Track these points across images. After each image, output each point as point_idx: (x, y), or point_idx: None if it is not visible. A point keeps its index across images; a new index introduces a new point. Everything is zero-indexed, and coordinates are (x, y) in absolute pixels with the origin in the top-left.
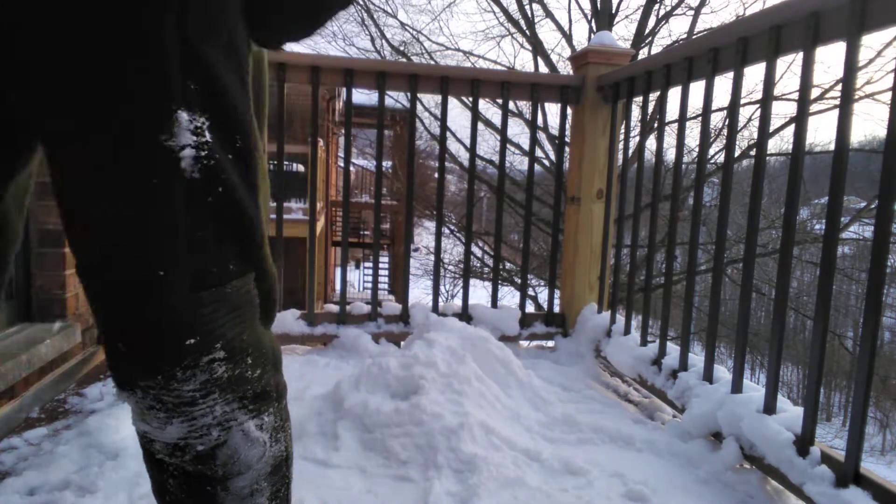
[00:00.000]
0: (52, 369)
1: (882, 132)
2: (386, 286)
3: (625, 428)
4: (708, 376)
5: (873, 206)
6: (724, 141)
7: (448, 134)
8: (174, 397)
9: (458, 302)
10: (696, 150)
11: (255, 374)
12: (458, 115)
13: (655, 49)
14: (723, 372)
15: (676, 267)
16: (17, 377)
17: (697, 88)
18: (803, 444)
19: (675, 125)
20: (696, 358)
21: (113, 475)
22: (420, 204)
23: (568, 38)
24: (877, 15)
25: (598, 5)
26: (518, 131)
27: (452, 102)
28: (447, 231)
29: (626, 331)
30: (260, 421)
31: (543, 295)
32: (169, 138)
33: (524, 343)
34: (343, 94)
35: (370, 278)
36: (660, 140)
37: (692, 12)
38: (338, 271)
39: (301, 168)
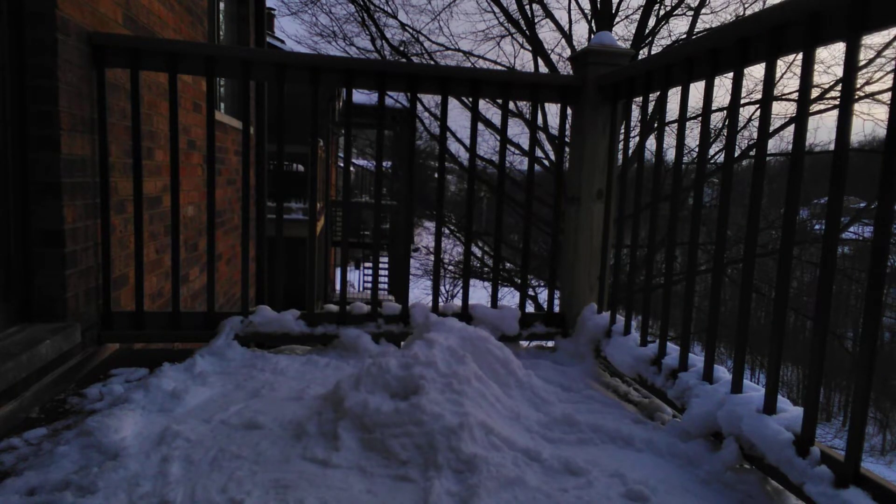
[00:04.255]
0: (52, 369)
1: (882, 132)
2: (385, 286)
3: (625, 428)
4: (708, 376)
5: (873, 206)
6: (724, 141)
7: (448, 134)
8: None
9: (458, 302)
10: (696, 150)
11: None
12: (458, 115)
13: (655, 49)
14: (723, 372)
15: (676, 267)
16: (17, 377)
17: (697, 89)
18: (803, 443)
19: (675, 125)
20: (696, 358)
21: (113, 475)
22: (420, 204)
23: (568, 38)
24: (877, 15)
25: (598, 5)
26: (518, 131)
27: (452, 102)
28: (447, 231)
29: (626, 331)
30: None
31: (543, 295)
32: None
33: (524, 343)
34: (343, 95)
35: (370, 278)
36: (660, 140)
37: (692, 12)
38: (338, 271)
39: (301, 168)
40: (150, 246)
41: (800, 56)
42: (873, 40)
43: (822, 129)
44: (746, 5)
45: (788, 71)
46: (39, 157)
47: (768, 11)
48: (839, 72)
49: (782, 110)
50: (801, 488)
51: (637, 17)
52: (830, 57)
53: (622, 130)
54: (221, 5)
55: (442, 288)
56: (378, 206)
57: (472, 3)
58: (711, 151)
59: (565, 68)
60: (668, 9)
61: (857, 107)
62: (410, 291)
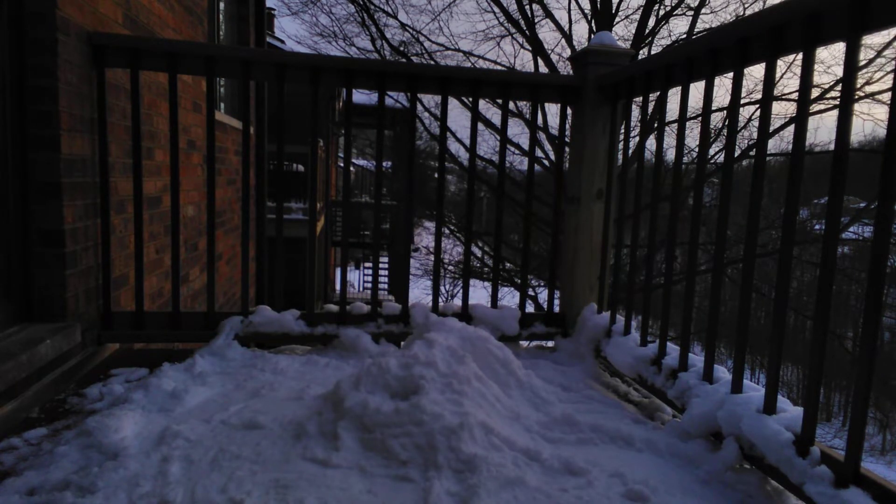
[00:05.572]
0: (52, 369)
1: (882, 132)
2: (385, 286)
3: (625, 428)
4: (708, 376)
5: (873, 206)
6: (724, 141)
7: (448, 134)
8: None
9: (458, 302)
10: (696, 150)
11: None
12: (458, 115)
13: (655, 49)
14: (723, 372)
15: (676, 267)
16: (17, 377)
17: (697, 89)
18: (803, 443)
19: (675, 125)
20: (696, 358)
21: (113, 475)
22: (420, 204)
23: (568, 38)
24: (877, 15)
25: (598, 5)
26: (518, 131)
27: (452, 102)
28: (447, 231)
29: (626, 331)
30: None
31: (543, 295)
32: None
33: (524, 343)
34: (343, 94)
35: (370, 278)
36: (660, 140)
37: (692, 12)
38: (338, 271)
39: (301, 168)
40: (150, 246)
41: (800, 56)
42: (873, 40)
43: (822, 129)
44: (746, 5)
45: (788, 71)
46: (39, 157)
47: (768, 11)
48: (839, 72)
49: (782, 110)
50: (801, 488)
51: (637, 17)
52: (830, 57)
53: (622, 130)
54: (221, 5)
55: (442, 288)
56: (378, 206)
57: (472, 3)
58: (711, 151)
59: (565, 68)
60: (668, 9)
61: (857, 107)
62: (410, 291)
